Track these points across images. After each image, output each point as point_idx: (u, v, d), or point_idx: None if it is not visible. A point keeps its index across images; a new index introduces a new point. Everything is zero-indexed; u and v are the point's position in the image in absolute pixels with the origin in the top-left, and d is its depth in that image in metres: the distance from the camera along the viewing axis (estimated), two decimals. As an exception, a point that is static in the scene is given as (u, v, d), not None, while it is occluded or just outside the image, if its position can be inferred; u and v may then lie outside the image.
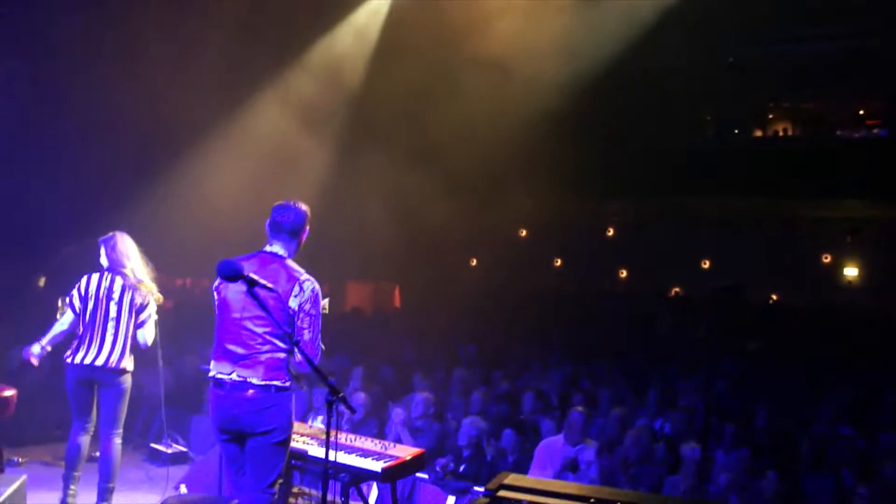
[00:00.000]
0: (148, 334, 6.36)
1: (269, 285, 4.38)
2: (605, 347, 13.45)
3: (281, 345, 4.52)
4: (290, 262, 4.66)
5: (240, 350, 4.49)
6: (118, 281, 6.28)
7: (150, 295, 6.40)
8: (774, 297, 18.68)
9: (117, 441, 6.30)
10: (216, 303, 4.69)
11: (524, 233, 21.89)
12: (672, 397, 9.59)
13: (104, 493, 6.26)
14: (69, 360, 6.20)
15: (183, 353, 10.21)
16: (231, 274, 4.25)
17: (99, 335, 6.18)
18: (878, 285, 17.93)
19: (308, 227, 4.76)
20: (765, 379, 10.96)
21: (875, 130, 18.41)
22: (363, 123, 13.80)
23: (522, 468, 6.91)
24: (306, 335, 4.47)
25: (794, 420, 8.82)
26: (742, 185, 17.44)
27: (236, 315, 4.54)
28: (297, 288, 4.51)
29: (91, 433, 6.36)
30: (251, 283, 4.27)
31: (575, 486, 4.91)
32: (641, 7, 12.69)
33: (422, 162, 13.69)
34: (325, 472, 3.95)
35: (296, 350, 4.46)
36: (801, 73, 17.17)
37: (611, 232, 21.44)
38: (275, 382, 4.49)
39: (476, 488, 6.56)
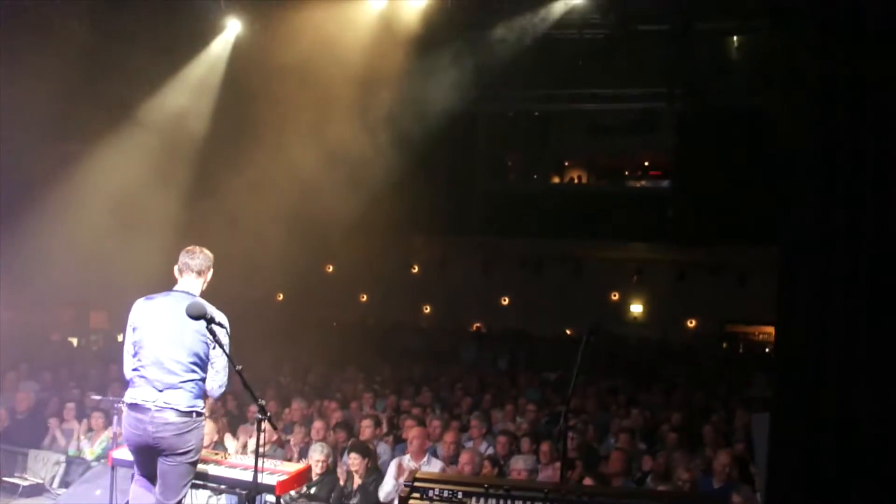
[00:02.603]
0: None
1: (223, 323, 4.79)
2: (417, 378, 14.13)
3: (202, 373, 4.91)
4: (200, 299, 5.01)
5: (166, 378, 4.81)
6: None
7: None
8: (568, 331, 20.08)
9: None
10: (135, 338, 4.95)
11: (331, 268, 22.21)
12: (489, 423, 10.42)
13: None
14: None
15: (3, 390, 9.89)
16: (199, 313, 4.61)
17: None
18: (660, 320, 19.86)
19: (211, 270, 5.16)
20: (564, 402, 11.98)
21: (659, 181, 20.45)
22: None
23: (371, 486, 7.39)
24: (218, 364, 4.88)
25: (595, 438, 9.89)
26: (539, 227, 18.78)
27: (162, 347, 4.85)
28: None
29: None
30: (210, 321, 4.64)
31: (471, 477, 5.64)
32: (451, 56, 13.48)
33: (230, 196, 13.70)
34: (254, 485, 4.33)
35: (209, 377, 4.91)
36: (595, 127, 18.89)
37: (415, 268, 22.25)
38: (196, 408, 4.86)
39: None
